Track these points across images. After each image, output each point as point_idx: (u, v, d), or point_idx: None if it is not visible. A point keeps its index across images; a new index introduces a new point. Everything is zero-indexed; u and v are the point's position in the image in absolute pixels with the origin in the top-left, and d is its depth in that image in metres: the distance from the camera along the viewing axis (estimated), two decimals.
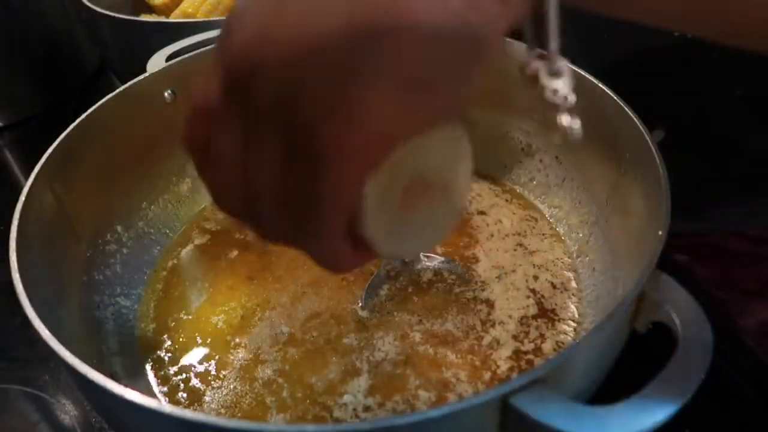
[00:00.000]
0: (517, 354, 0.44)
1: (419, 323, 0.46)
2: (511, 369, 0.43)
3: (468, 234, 0.54)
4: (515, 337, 0.45)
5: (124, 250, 0.51)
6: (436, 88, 0.23)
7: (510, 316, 0.46)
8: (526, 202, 0.57)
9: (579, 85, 0.49)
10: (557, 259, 0.51)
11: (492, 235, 0.54)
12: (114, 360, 0.44)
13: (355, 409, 0.41)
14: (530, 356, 0.43)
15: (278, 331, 0.46)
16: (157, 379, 0.44)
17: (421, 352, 0.44)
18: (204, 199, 0.58)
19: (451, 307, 0.47)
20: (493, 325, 0.46)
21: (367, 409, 0.41)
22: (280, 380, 0.43)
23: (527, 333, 0.45)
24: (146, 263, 0.52)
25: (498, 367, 0.43)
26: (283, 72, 0.22)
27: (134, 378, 0.43)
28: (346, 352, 0.44)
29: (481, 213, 0.56)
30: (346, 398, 0.41)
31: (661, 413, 0.27)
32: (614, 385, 0.33)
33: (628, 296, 0.31)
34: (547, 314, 0.46)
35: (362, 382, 0.42)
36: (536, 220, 0.55)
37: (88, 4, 0.69)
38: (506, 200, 0.58)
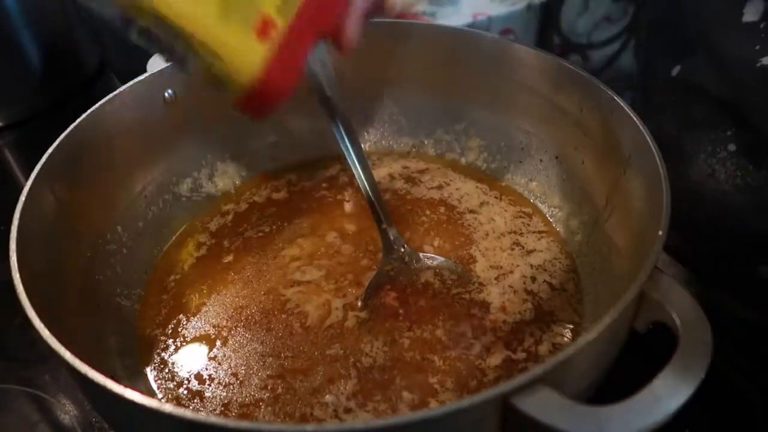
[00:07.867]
0: (507, 362, 0.43)
1: (409, 329, 0.45)
2: (499, 377, 0.42)
3: (462, 233, 0.54)
4: (507, 345, 0.44)
5: (124, 250, 0.51)
6: None
7: (504, 322, 0.46)
8: (515, 198, 0.57)
9: (580, 85, 0.50)
10: (555, 259, 0.51)
11: (487, 234, 0.53)
12: (114, 360, 0.44)
13: (335, 410, 0.41)
14: (522, 364, 0.43)
15: (273, 333, 0.46)
16: (157, 378, 0.44)
17: (408, 358, 0.43)
18: (203, 200, 0.58)
19: (444, 311, 0.47)
20: (484, 333, 0.45)
21: (348, 411, 0.41)
22: (274, 381, 0.43)
23: (521, 341, 0.44)
24: (146, 263, 0.52)
25: (485, 375, 0.42)
26: None
27: (134, 378, 0.44)
28: (337, 357, 0.44)
29: (472, 212, 0.56)
30: (328, 398, 0.41)
31: (661, 413, 0.27)
32: (614, 385, 0.33)
33: (628, 296, 0.31)
34: (543, 318, 0.46)
35: (349, 385, 0.42)
36: (530, 216, 0.55)
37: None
38: (495, 197, 0.57)
